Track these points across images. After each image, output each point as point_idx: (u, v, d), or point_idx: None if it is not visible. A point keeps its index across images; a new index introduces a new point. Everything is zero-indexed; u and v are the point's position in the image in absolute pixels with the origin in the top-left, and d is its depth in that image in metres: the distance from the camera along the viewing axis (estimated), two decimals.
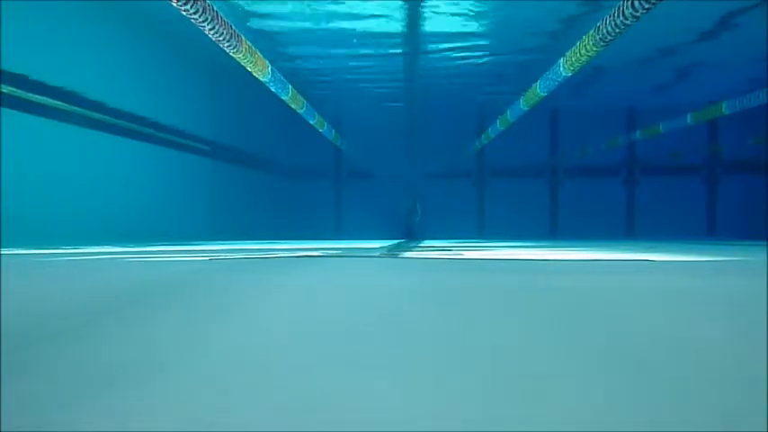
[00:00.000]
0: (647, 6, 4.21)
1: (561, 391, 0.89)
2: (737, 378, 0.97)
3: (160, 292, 2.28)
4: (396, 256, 4.94)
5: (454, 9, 8.28)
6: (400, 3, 8.09)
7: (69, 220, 7.38)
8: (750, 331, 1.38)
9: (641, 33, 6.63)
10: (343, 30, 9.01)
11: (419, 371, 1.02)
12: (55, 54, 7.28)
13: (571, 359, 1.11)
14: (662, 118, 10.99)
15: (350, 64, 10.79)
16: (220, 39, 4.73)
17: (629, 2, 4.30)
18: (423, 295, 2.18)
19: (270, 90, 6.67)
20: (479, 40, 9.51)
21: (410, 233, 13.14)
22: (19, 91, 6.69)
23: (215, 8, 4.43)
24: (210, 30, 4.51)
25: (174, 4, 4.08)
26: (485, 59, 10.46)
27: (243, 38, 5.12)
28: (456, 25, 8.86)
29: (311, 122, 9.03)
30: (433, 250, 6.15)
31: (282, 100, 7.22)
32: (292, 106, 7.64)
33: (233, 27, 4.83)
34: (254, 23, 8.68)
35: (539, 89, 7.11)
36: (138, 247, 6.58)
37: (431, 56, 10.30)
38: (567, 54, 5.81)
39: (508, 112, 9.30)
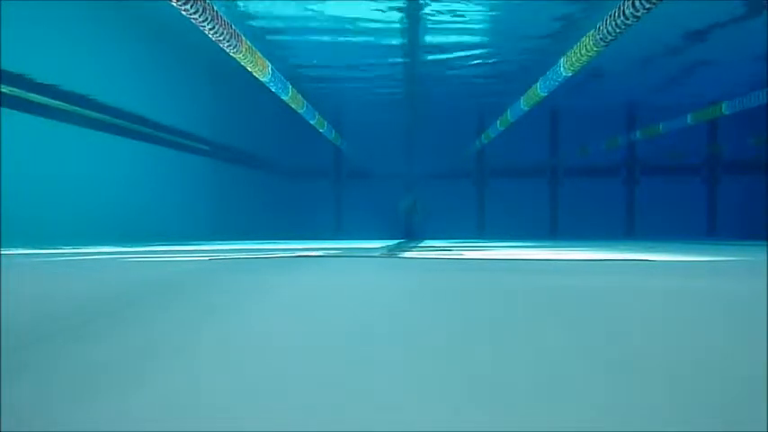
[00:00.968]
0: (647, 6, 4.21)
1: (561, 392, 0.89)
2: (737, 378, 0.97)
3: (160, 292, 2.28)
4: (396, 256, 4.94)
5: (454, 9, 8.28)
6: (400, 4, 8.09)
7: (69, 220, 7.38)
8: (750, 331, 1.38)
9: (641, 33, 6.63)
10: (342, 29, 9.02)
11: (419, 371, 1.02)
12: (55, 54, 7.29)
13: (571, 359, 1.11)
14: (662, 118, 11.00)
15: (350, 64, 10.79)
16: (220, 39, 4.74)
17: (630, 2, 4.30)
18: (423, 295, 2.18)
19: (270, 90, 6.68)
20: (480, 40, 9.51)
21: (410, 233, 13.11)
22: (19, 91, 6.69)
23: (215, 8, 4.43)
24: (210, 30, 4.51)
25: (175, 4, 4.08)
26: (485, 59, 10.46)
27: (243, 38, 5.12)
28: (456, 25, 8.86)
29: (311, 122, 9.03)
30: (433, 250, 6.15)
31: (283, 100, 7.22)
32: (292, 106, 7.65)
33: (233, 27, 4.83)
34: (255, 23, 8.69)
35: (539, 89, 7.11)
36: (138, 247, 6.58)
37: (431, 56, 10.30)
38: (568, 54, 5.81)
39: (508, 112, 9.31)
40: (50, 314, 1.68)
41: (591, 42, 5.18)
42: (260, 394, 0.88)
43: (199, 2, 4.16)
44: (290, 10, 8.28)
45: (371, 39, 9.37)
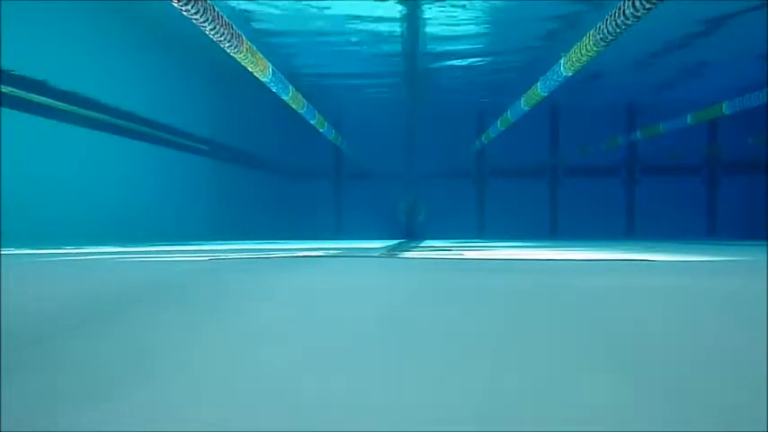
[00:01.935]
0: (647, 6, 4.21)
1: (561, 392, 0.89)
2: (737, 378, 0.97)
3: (160, 291, 2.28)
4: (396, 256, 4.94)
5: (454, 7, 8.28)
6: (400, 6, 8.09)
7: (69, 220, 7.38)
8: (750, 331, 1.38)
9: (641, 33, 6.63)
10: (342, 29, 9.02)
11: (419, 371, 1.02)
12: (55, 54, 7.29)
13: (571, 359, 1.11)
14: (662, 118, 11.00)
15: (349, 64, 10.80)
16: (221, 39, 4.74)
17: (630, 1, 4.30)
18: (423, 295, 2.18)
19: (270, 89, 6.68)
20: (480, 39, 9.50)
21: (410, 233, 13.08)
22: (19, 91, 6.69)
23: (216, 8, 4.43)
24: (211, 30, 4.51)
25: (175, 5, 4.08)
26: (485, 59, 10.45)
27: (243, 38, 5.12)
28: (457, 24, 8.86)
29: (311, 122, 9.03)
30: (433, 250, 6.15)
31: (283, 100, 7.22)
32: (293, 106, 7.65)
33: (233, 27, 4.83)
34: (255, 24, 8.69)
35: (539, 89, 7.12)
36: (138, 247, 6.58)
37: (431, 56, 10.30)
38: (568, 54, 5.81)
39: (508, 112, 9.32)
40: (50, 314, 1.68)
41: (591, 42, 5.18)
42: (260, 394, 0.88)
43: (199, 2, 4.16)
44: (291, 9, 8.27)
45: (371, 38, 9.36)
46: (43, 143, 7.08)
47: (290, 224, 14.03)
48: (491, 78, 11.61)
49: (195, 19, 4.28)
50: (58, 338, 1.30)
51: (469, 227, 14.66)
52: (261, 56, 5.63)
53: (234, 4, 8.05)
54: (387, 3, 8.02)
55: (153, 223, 9.05)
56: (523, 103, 8.22)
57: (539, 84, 7.08)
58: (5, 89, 6.53)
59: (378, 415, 0.80)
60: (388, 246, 7.48)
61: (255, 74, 5.87)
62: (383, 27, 8.86)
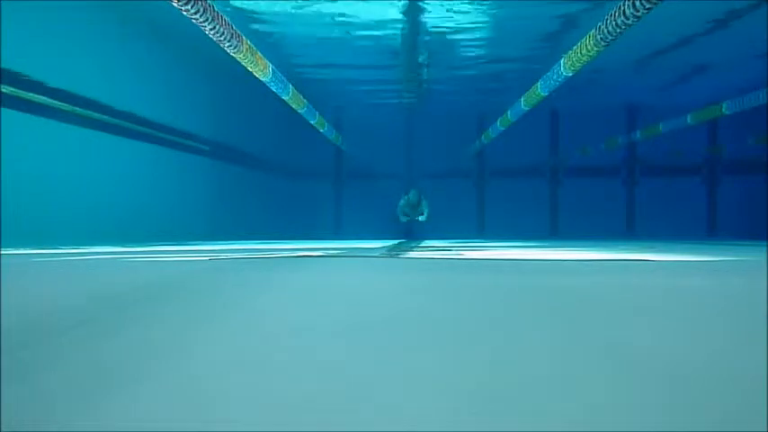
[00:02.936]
0: (647, 6, 4.21)
1: (561, 392, 0.89)
2: (737, 378, 0.97)
3: (160, 291, 2.28)
4: (396, 256, 4.94)
5: (455, 8, 8.28)
6: (400, 6, 8.09)
7: (69, 220, 7.38)
8: (750, 331, 1.38)
9: (642, 33, 6.63)
10: (342, 29, 9.02)
11: (419, 371, 1.02)
12: (55, 54, 7.29)
13: (571, 359, 1.11)
14: (662, 118, 11.00)
15: (349, 63, 10.79)
16: (221, 39, 4.74)
17: (630, 1, 4.30)
18: (423, 295, 2.18)
19: (270, 89, 6.68)
20: (480, 39, 9.50)
21: (410, 233, 13.00)
22: (19, 91, 6.69)
23: (215, 8, 4.43)
24: (211, 30, 4.51)
25: (175, 5, 4.08)
26: (486, 59, 10.45)
27: (244, 38, 5.12)
28: (457, 24, 8.86)
29: (312, 122, 9.04)
30: (433, 250, 6.15)
31: (283, 100, 7.23)
32: (293, 106, 7.65)
33: (234, 27, 4.83)
34: (256, 26, 8.69)
35: (539, 89, 7.12)
36: (138, 247, 6.58)
37: (431, 55, 10.31)
38: (568, 54, 5.82)
39: (509, 112, 9.32)
40: (50, 314, 1.68)
41: (591, 42, 5.19)
42: (260, 394, 0.88)
43: (199, 2, 4.17)
44: (291, 8, 8.26)
45: (372, 37, 9.36)
46: (43, 143, 7.08)
47: (290, 224, 14.03)
48: (491, 78, 11.59)
49: (195, 19, 4.28)
50: (58, 338, 1.30)
51: (469, 227, 14.66)
52: (261, 55, 5.63)
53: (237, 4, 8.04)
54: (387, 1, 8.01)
55: (153, 223, 9.05)
56: (523, 103, 8.23)
57: (539, 83, 7.08)
58: (6, 89, 6.53)
59: (378, 414, 0.80)
60: (388, 246, 7.48)
61: (255, 73, 5.88)
62: (384, 25, 8.84)
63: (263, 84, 6.37)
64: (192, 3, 4.11)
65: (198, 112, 10.81)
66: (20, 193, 6.59)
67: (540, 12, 8.23)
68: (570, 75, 6.13)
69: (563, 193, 14.92)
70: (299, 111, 8.01)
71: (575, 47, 5.60)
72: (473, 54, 10.14)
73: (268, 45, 9.00)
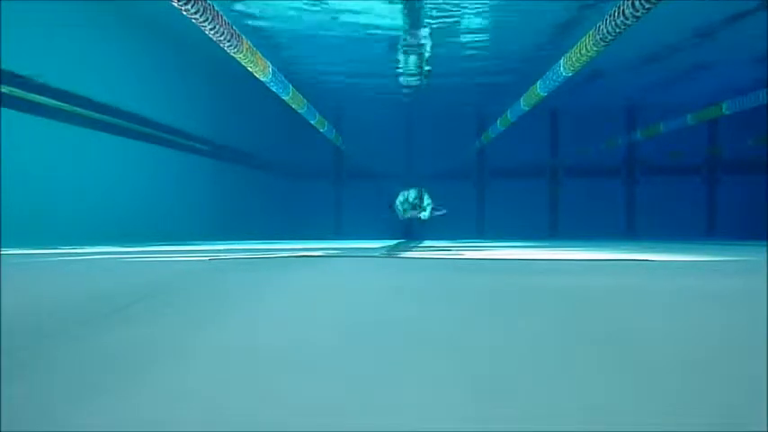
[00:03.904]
0: (647, 6, 4.21)
1: (561, 391, 0.89)
2: (737, 378, 0.97)
3: (160, 291, 2.28)
4: (396, 257, 4.94)
5: (455, 7, 8.27)
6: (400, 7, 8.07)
7: (69, 220, 7.38)
8: (750, 331, 1.38)
9: (642, 33, 6.63)
10: (342, 29, 9.00)
11: (419, 371, 1.02)
12: (54, 54, 7.29)
13: (571, 359, 1.11)
14: (662, 118, 11.00)
15: (349, 63, 10.78)
16: (221, 39, 4.74)
17: (630, 1, 4.30)
18: (423, 295, 2.18)
19: (270, 90, 6.68)
20: (481, 39, 9.48)
21: (410, 233, 12.93)
22: (19, 91, 6.69)
23: (215, 8, 4.43)
24: (211, 30, 4.51)
25: (175, 4, 4.08)
26: (486, 59, 10.44)
27: (243, 38, 5.12)
28: (457, 24, 8.84)
29: (312, 122, 9.03)
30: (433, 250, 6.15)
31: (283, 100, 7.22)
32: (293, 106, 7.65)
33: (233, 27, 4.83)
34: (253, 23, 8.67)
35: (539, 89, 7.12)
36: (138, 247, 6.58)
37: (431, 56, 10.29)
38: (568, 54, 5.82)
39: (508, 112, 9.32)
40: (50, 314, 1.68)
41: (591, 42, 5.19)
42: (260, 394, 0.88)
43: (199, 2, 4.17)
44: (291, 7, 8.25)
45: (371, 37, 9.34)
46: (43, 143, 7.08)
47: (290, 224, 14.02)
48: (492, 77, 11.57)
49: (195, 18, 4.28)
50: (58, 338, 1.30)
51: (469, 227, 14.66)
52: (260, 55, 5.63)
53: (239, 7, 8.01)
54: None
55: (153, 223, 9.04)
56: (523, 103, 8.22)
57: (538, 83, 7.08)
58: (6, 89, 6.53)
59: (377, 414, 0.80)
60: (388, 246, 7.48)
61: (255, 74, 5.87)
62: (384, 25, 8.81)
63: (263, 83, 6.36)
64: (192, 2, 4.11)
65: (198, 112, 10.80)
66: (20, 193, 6.59)
67: (542, 11, 8.19)
68: (570, 75, 6.13)
69: (563, 193, 14.93)
70: (299, 111, 8.00)
71: (574, 47, 5.60)
72: (475, 52, 10.09)
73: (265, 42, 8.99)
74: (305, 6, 8.13)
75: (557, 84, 6.61)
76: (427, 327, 1.47)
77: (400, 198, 10.04)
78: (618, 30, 4.67)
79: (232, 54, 5.17)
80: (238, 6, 8.06)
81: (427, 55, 10.18)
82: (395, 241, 9.61)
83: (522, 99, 8.20)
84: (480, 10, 8.28)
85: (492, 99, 12.42)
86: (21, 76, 6.73)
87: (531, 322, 1.54)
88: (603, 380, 0.96)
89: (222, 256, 4.87)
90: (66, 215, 7.34)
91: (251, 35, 6.52)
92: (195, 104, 10.70)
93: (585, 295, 2.15)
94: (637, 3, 4.25)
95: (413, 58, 10.40)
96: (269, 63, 5.95)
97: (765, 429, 0.73)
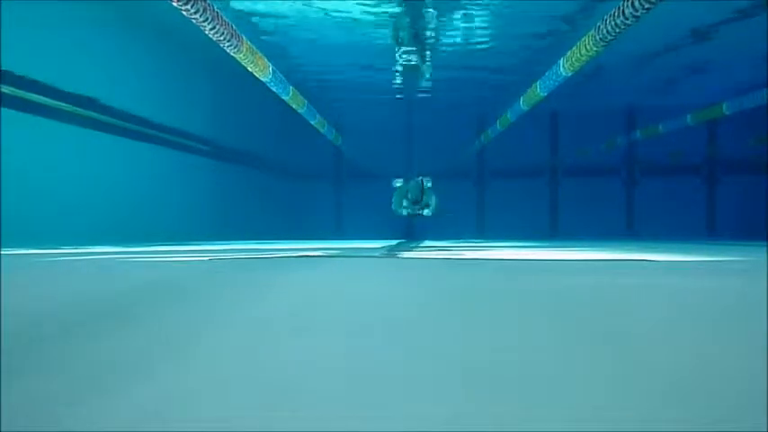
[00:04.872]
0: (647, 6, 4.21)
1: (561, 391, 0.89)
2: (737, 378, 0.97)
3: (160, 291, 2.28)
4: (396, 257, 4.94)
5: (455, 7, 8.27)
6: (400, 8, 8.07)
7: (69, 220, 7.38)
8: (750, 331, 1.38)
9: (641, 33, 6.63)
10: (342, 29, 9.00)
11: (419, 371, 1.02)
12: (55, 54, 7.28)
13: (571, 359, 1.11)
14: (662, 118, 11.00)
15: (349, 63, 10.77)
16: (221, 39, 4.74)
17: (630, 1, 4.30)
18: (423, 295, 2.18)
19: (271, 90, 6.67)
20: (481, 39, 9.47)
21: (410, 233, 12.90)
22: (19, 91, 6.69)
23: (215, 8, 4.43)
24: (211, 30, 4.51)
25: (175, 4, 4.08)
26: (486, 58, 10.43)
27: (243, 38, 5.12)
28: (457, 23, 8.84)
29: (312, 123, 9.03)
30: (433, 250, 6.15)
31: (283, 100, 7.22)
32: (293, 106, 7.65)
33: (233, 27, 4.83)
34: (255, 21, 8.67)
35: (539, 89, 7.11)
36: (139, 247, 6.58)
37: (432, 56, 10.28)
38: (568, 54, 5.81)
39: (508, 112, 9.31)
40: (51, 314, 1.68)
41: (591, 42, 5.19)
42: (260, 394, 0.88)
43: (199, 2, 4.16)
44: (291, 8, 8.24)
45: (372, 37, 9.33)
46: (44, 143, 7.08)
47: (290, 224, 14.02)
48: (492, 77, 11.56)
49: (195, 19, 4.28)
50: (58, 338, 1.30)
51: (470, 227, 14.66)
52: (261, 55, 5.63)
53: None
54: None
55: (154, 223, 9.04)
56: (523, 104, 8.22)
57: (538, 84, 7.08)
58: (6, 89, 6.53)
59: (378, 414, 0.80)
60: (389, 246, 7.48)
61: (255, 74, 5.87)
62: (384, 23, 8.81)
63: (263, 84, 6.36)
64: (192, 2, 4.11)
65: (198, 113, 10.79)
66: (20, 193, 6.58)
67: (542, 11, 8.18)
68: (569, 75, 6.13)
69: (563, 193, 14.93)
70: (299, 111, 8.00)
71: (574, 47, 5.60)
72: (475, 52, 10.08)
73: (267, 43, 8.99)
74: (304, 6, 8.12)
75: (557, 84, 6.61)
76: (427, 327, 1.46)
77: (398, 194, 9.31)
78: (618, 30, 4.67)
79: (232, 54, 5.17)
80: (239, 8, 8.05)
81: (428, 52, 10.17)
82: (395, 241, 9.60)
83: (521, 99, 8.20)
84: (480, 9, 8.28)
85: (492, 99, 12.41)
86: (20, 76, 6.72)
87: (531, 322, 1.54)
88: (603, 380, 0.96)
89: (222, 256, 4.87)
90: (65, 215, 7.33)
91: (251, 35, 6.52)
92: (196, 105, 10.70)
93: (585, 295, 2.15)
94: (637, 2, 4.25)
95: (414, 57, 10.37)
96: (269, 63, 5.95)
97: (765, 429, 0.73)
